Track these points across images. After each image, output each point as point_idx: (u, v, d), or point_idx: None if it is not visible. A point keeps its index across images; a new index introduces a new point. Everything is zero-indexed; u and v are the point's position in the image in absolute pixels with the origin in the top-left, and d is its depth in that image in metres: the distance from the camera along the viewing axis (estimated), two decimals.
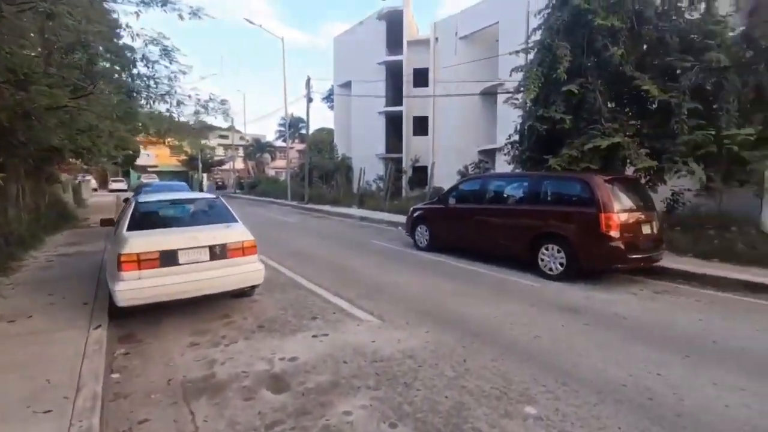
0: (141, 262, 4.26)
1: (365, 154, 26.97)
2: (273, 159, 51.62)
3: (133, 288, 4.19)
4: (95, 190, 37.40)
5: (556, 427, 2.72)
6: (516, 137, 9.83)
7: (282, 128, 49.31)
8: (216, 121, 22.09)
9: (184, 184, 15.85)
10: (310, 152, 27.71)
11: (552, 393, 3.14)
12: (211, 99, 10.18)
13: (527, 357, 3.79)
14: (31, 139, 8.02)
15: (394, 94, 26.27)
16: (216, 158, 49.58)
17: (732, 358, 3.83)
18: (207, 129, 21.19)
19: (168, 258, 4.39)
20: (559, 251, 6.62)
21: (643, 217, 6.66)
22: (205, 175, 43.51)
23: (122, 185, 40.33)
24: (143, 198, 5.73)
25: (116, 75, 8.50)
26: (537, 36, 8.97)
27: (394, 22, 25.57)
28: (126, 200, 7.85)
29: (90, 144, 11.09)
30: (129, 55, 8.08)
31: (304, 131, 39.78)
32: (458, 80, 19.65)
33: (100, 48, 7.30)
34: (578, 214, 6.58)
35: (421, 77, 24.19)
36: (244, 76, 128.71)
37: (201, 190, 33.43)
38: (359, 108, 27.90)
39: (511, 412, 2.89)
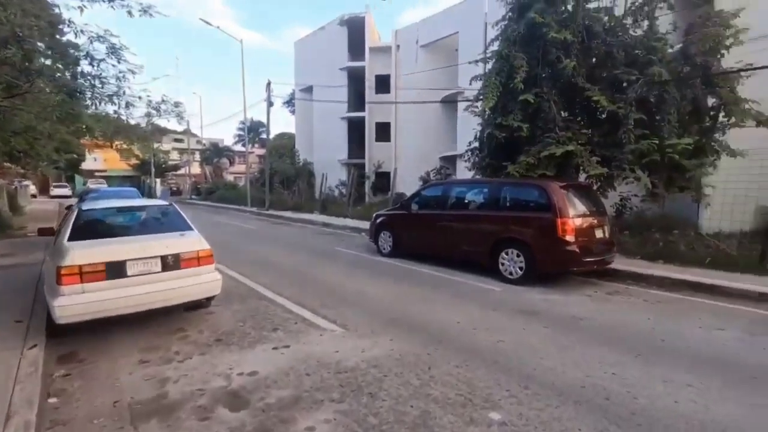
0: (84, 274, 3.94)
1: (327, 159, 26.75)
2: (231, 164, 50.13)
3: (74, 303, 3.86)
4: (34, 196, 34.61)
5: (519, 431, 2.75)
6: (476, 144, 10.04)
7: (241, 132, 47.91)
8: (170, 123, 21.26)
9: (134, 189, 14.96)
10: (271, 157, 27.13)
11: (515, 397, 3.18)
12: (163, 101, 9.77)
13: (491, 362, 3.83)
14: None
15: (357, 100, 26.27)
16: (171, 162, 47.37)
17: (679, 355, 4.05)
18: (160, 132, 20.25)
19: (115, 270, 4.10)
20: (518, 255, 6.79)
21: (596, 221, 6.97)
22: (158, 180, 41.43)
23: (66, 191, 37.56)
24: (88, 205, 5.32)
25: (58, 73, 7.92)
26: (495, 46, 9.23)
27: (355, 29, 25.64)
28: (68, 208, 7.29)
29: (27, 147, 10.30)
30: (72, 52, 7.57)
31: (264, 135, 38.97)
32: (420, 88, 19.97)
33: (39, 44, 6.77)
34: (536, 220, 6.78)
35: (383, 84, 24.36)
36: (201, 78, 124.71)
37: (153, 196, 31.76)
38: (321, 113, 27.68)
39: (476, 418, 2.89)
